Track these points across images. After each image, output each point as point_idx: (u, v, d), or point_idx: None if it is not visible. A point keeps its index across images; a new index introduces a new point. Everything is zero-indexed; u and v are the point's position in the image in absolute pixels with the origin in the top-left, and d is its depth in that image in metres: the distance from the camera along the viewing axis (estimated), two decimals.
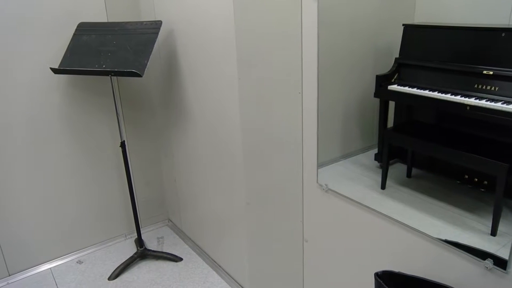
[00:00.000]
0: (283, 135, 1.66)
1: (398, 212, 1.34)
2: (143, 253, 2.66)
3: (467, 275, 1.14)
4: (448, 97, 1.24)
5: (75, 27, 2.36)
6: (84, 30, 2.35)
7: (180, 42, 2.24)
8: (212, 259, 2.56)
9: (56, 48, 2.37)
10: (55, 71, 2.23)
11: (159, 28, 2.18)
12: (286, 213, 1.78)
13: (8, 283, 2.54)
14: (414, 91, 1.34)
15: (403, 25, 1.38)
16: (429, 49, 1.35)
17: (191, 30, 2.10)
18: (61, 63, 2.28)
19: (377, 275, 1.23)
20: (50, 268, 2.66)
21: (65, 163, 2.58)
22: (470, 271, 1.13)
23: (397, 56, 1.42)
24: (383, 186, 1.46)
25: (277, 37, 1.56)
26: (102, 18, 2.50)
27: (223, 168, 2.15)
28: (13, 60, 2.28)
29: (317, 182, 1.57)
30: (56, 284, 2.50)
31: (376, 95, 1.47)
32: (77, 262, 2.71)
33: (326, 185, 1.54)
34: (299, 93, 1.52)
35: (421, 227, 1.26)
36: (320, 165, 1.57)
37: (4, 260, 2.52)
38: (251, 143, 1.87)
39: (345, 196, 1.48)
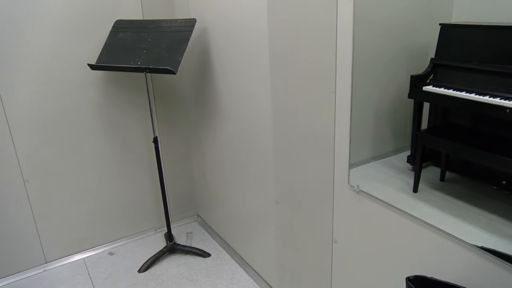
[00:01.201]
0: (315, 134, 1.65)
1: (430, 216, 1.31)
2: (172, 247, 2.71)
3: (503, 284, 1.11)
4: (487, 99, 1.20)
5: (112, 25, 2.43)
6: (120, 27, 2.41)
7: (213, 40, 2.26)
8: (240, 256, 2.58)
9: (93, 45, 2.45)
10: (92, 67, 2.30)
11: (193, 26, 2.21)
12: (316, 213, 1.77)
13: (44, 270, 2.64)
14: (451, 92, 1.31)
15: (440, 24, 1.35)
16: (467, 49, 1.31)
17: (224, 28, 2.12)
18: (98, 59, 2.34)
19: (408, 279, 1.20)
20: (83, 258, 2.75)
21: (101, 157, 2.66)
22: (507, 280, 1.10)
23: (433, 56, 1.38)
24: (415, 189, 1.43)
25: (311, 34, 1.55)
26: (138, 16, 2.56)
27: (253, 166, 2.16)
28: (53, 57, 2.36)
29: (348, 183, 1.56)
30: (89, 274, 2.58)
31: (410, 96, 1.44)
32: (109, 254, 2.79)
33: (357, 186, 1.52)
34: (332, 92, 1.51)
35: (455, 232, 1.22)
36: (350, 166, 1.56)
37: (42, 248, 2.62)
38: (282, 141, 1.87)
39: (377, 198, 1.46)
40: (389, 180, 1.51)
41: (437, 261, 1.29)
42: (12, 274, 2.57)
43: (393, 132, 1.58)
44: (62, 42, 2.37)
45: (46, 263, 2.66)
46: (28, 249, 2.58)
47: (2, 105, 2.29)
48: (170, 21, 2.30)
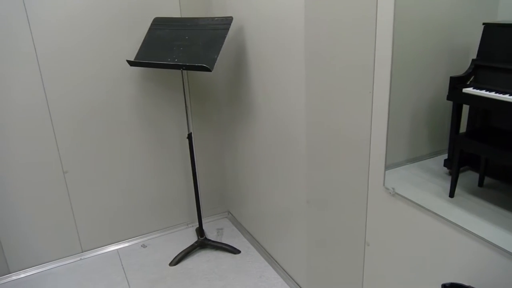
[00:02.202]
0: (350, 134, 1.64)
1: (467, 222, 1.27)
2: (203, 243, 2.74)
3: None
4: None
5: (150, 22, 2.48)
6: (158, 25, 2.46)
7: (249, 38, 2.27)
8: (270, 254, 2.59)
9: (132, 41, 2.51)
10: (130, 63, 2.36)
11: (230, 24, 2.23)
12: (349, 214, 1.75)
13: (80, 259, 2.74)
14: (492, 95, 1.26)
15: (483, 24, 1.30)
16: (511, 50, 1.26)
17: (260, 26, 2.13)
18: (136, 56, 2.40)
19: (444, 286, 1.17)
20: (117, 249, 2.84)
21: (136, 151, 2.73)
22: None
23: (474, 57, 1.34)
24: (451, 194, 1.39)
25: (349, 33, 1.53)
26: (176, 14, 2.60)
27: (286, 165, 2.16)
28: (94, 53, 2.44)
29: (383, 185, 1.53)
30: (122, 265, 2.65)
31: (449, 97, 1.40)
32: (141, 246, 2.86)
33: (393, 188, 1.50)
34: (370, 92, 1.49)
35: (494, 239, 1.19)
36: (385, 168, 1.53)
37: (79, 238, 2.72)
38: (315, 141, 1.86)
39: (412, 202, 1.43)
40: (425, 183, 1.48)
41: (475, 269, 1.25)
42: (51, 261, 2.68)
43: (430, 135, 1.55)
44: (103, 38, 2.44)
45: (82, 252, 2.76)
46: (66, 238, 2.69)
47: (46, 99, 2.39)
48: (207, 19, 2.33)
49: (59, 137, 2.48)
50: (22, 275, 2.60)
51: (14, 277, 2.58)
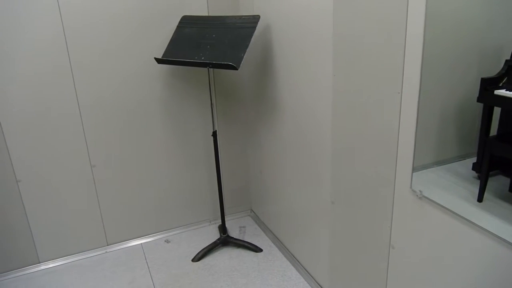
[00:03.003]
0: (377, 135, 1.62)
1: (496, 228, 1.24)
2: (225, 240, 2.76)
3: None
4: None
5: (178, 20, 2.51)
6: (186, 23, 2.49)
7: (276, 37, 2.27)
8: (292, 254, 2.58)
9: (160, 39, 2.54)
10: (158, 61, 2.40)
11: (257, 23, 2.23)
12: (374, 216, 1.73)
13: (106, 252, 2.80)
14: None
15: None
16: None
17: (288, 25, 2.12)
18: (164, 53, 2.44)
19: None
20: (141, 243, 2.89)
21: (161, 148, 2.77)
22: None
23: (508, 58, 1.30)
24: (480, 199, 1.36)
25: (378, 32, 1.51)
26: (204, 12, 2.62)
27: (310, 164, 2.15)
28: (122, 50, 2.49)
29: (410, 187, 1.51)
30: (146, 259, 2.70)
31: (479, 99, 1.36)
32: (165, 241, 2.90)
33: (420, 191, 1.47)
34: (398, 93, 1.46)
35: None
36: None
37: (105, 232, 2.78)
38: (341, 141, 1.84)
39: (440, 205, 1.40)
40: (452, 187, 1.45)
41: (504, 276, 1.22)
42: (77, 253, 2.75)
43: (459, 137, 1.51)
44: (131, 35, 2.48)
45: (108, 245, 2.82)
46: (93, 231, 2.75)
47: (76, 94, 2.45)
48: (234, 17, 2.34)
49: (87, 132, 2.54)
50: (51, 265, 2.68)
51: (43, 267, 2.67)
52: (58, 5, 2.28)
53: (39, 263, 2.67)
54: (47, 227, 2.62)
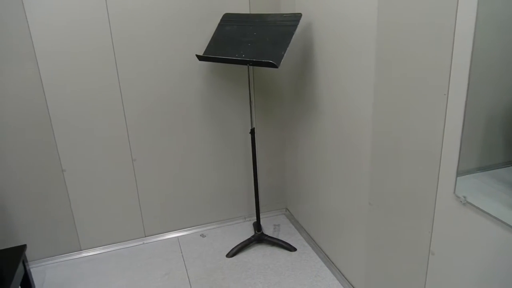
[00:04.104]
0: (420, 138, 1.57)
1: None
2: (260, 237, 2.77)
3: None
4: None
5: (220, 18, 2.53)
6: (228, 20, 2.51)
7: (317, 35, 2.24)
8: (326, 255, 2.56)
9: (202, 37, 2.58)
10: (199, 58, 2.43)
11: (298, 21, 2.21)
12: (413, 221, 1.68)
13: (143, 243, 2.88)
14: None
15: None
16: None
17: (330, 24, 2.09)
18: (205, 51, 2.46)
19: None
20: (177, 236, 2.94)
21: (200, 143, 2.81)
22: None
23: None
24: None
25: (425, 31, 1.46)
26: (245, 10, 2.63)
27: (348, 165, 2.12)
28: (165, 47, 2.54)
29: (454, 192, 1.45)
30: (181, 252, 2.75)
31: None
32: (200, 235, 2.94)
33: (464, 197, 1.42)
34: (444, 94, 1.41)
35: None
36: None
37: (143, 223, 2.86)
38: (382, 142, 1.80)
39: (486, 212, 1.34)
40: (497, 194, 1.38)
41: None
42: (117, 243, 2.84)
43: (506, 142, 1.44)
44: (174, 32, 2.53)
45: (145, 237, 2.90)
46: (132, 222, 2.83)
47: (120, 91, 2.53)
48: (276, 15, 2.33)
49: (130, 127, 2.62)
50: (91, 253, 2.78)
51: (84, 254, 2.77)
52: (106, 4, 2.35)
53: (81, 250, 2.77)
54: (89, 216, 2.72)
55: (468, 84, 1.32)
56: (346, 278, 2.33)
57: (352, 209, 2.15)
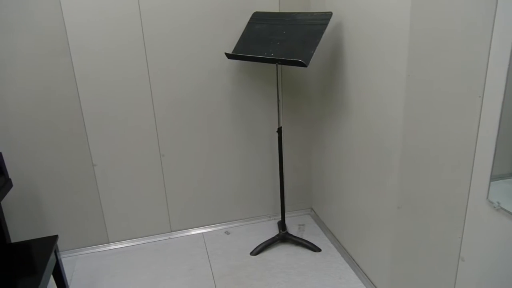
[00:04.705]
0: (453, 141, 1.53)
1: None
2: (284, 237, 2.76)
3: None
4: None
5: (250, 16, 2.54)
6: (257, 19, 2.51)
7: (347, 35, 2.22)
8: (351, 256, 2.53)
9: (231, 35, 2.59)
10: (228, 56, 2.44)
11: (329, 20, 2.19)
12: (443, 225, 1.64)
13: (169, 238, 2.92)
14: None
15: None
16: None
17: (360, 23, 2.06)
18: (234, 49, 2.48)
19: None
20: (202, 233, 2.97)
21: (227, 141, 2.83)
22: None
23: None
24: None
25: (460, 30, 1.42)
26: (275, 8, 2.63)
27: (376, 167, 2.08)
28: (195, 45, 2.56)
29: (487, 198, 1.41)
30: (206, 248, 2.77)
31: None
32: (225, 232, 2.96)
33: (498, 203, 1.37)
34: (479, 96, 1.37)
35: None
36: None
37: (169, 219, 2.90)
38: (413, 144, 1.77)
39: None
40: None
41: None
42: (143, 237, 2.89)
43: None
44: (204, 29, 2.55)
45: (171, 232, 2.94)
46: (158, 217, 2.88)
47: (150, 88, 2.57)
48: (306, 14, 2.32)
49: (159, 123, 2.66)
50: (118, 246, 2.84)
51: (112, 247, 2.84)
52: (139, 4, 2.39)
53: (109, 243, 2.84)
54: (118, 210, 2.79)
55: (506, 86, 1.28)
56: (371, 281, 2.30)
57: (380, 211, 2.12)
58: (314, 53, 2.12)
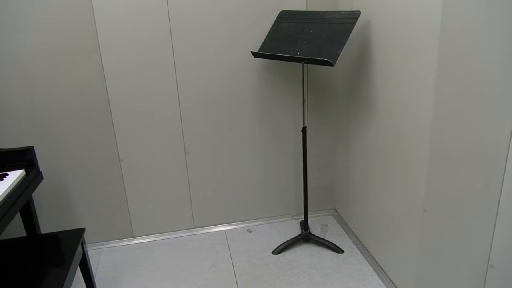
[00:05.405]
0: (484, 143, 1.48)
1: None
2: (306, 237, 2.75)
3: None
4: None
5: (277, 15, 2.53)
6: (284, 18, 2.50)
7: (376, 35, 2.19)
8: (374, 259, 2.49)
9: (258, 33, 2.59)
10: (254, 54, 2.44)
11: (357, 19, 2.17)
12: (472, 230, 1.60)
13: (192, 234, 2.95)
14: None
15: None
16: None
17: (390, 22, 2.03)
18: (261, 47, 2.47)
19: None
20: (224, 230, 2.99)
21: (251, 139, 2.83)
22: None
23: None
24: None
25: (494, 31, 1.38)
26: (302, 7, 2.61)
27: (403, 168, 2.05)
28: (222, 43, 2.58)
29: None
30: (228, 246, 2.79)
31: None
32: (247, 230, 2.97)
33: None
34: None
35: None
36: None
37: (192, 215, 2.93)
38: (441, 146, 1.73)
39: None
40: None
41: None
42: (167, 232, 2.93)
43: None
44: (230, 27, 2.56)
45: (194, 228, 2.97)
46: (182, 213, 2.91)
47: (177, 85, 2.60)
48: (334, 13, 2.29)
49: (184, 120, 2.69)
50: (142, 240, 2.89)
51: (136, 241, 2.89)
52: (167, 6, 2.42)
53: (133, 237, 2.89)
54: (142, 205, 2.83)
55: None
56: (395, 285, 2.26)
57: (405, 214, 2.08)
58: (341, 53, 2.10)
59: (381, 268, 2.41)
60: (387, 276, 2.34)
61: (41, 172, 2.15)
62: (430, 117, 1.77)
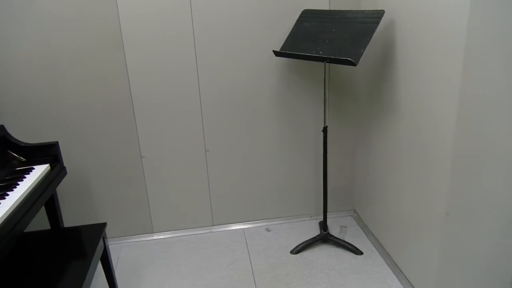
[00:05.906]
0: (508, 147, 1.45)
1: None
2: (325, 237, 2.73)
3: None
4: None
5: (299, 14, 2.52)
6: (307, 17, 2.49)
7: (399, 34, 2.15)
8: (394, 262, 2.46)
9: (280, 32, 2.58)
10: (276, 53, 2.44)
11: (380, 18, 2.14)
12: (496, 235, 1.57)
13: (211, 231, 2.97)
14: None
15: None
16: None
17: (414, 22, 1.99)
18: (282, 46, 2.47)
19: None
20: (243, 228, 3.00)
21: (272, 138, 2.83)
22: None
23: None
24: None
25: None
26: (325, 6, 2.60)
27: (424, 170, 2.01)
28: (244, 42, 2.58)
29: None
30: (246, 244, 2.80)
31: None
32: (265, 229, 2.97)
33: None
34: None
35: None
36: None
37: (211, 213, 2.95)
38: (465, 149, 1.69)
39: None
40: None
41: None
42: (186, 229, 2.96)
43: None
44: (253, 27, 2.56)
45: (213, 225, 2.99)
46: (201, 210, 2.93)
47: (198, 84, 2.62)
48: (357, 12, 2.27)
49: (205, 118, 2.70)
50: (162, 236, 2.93)
51: (155, 237, 2.92)
52: (190, 4, 2.44)
53: (153, 233, 2.93)
54: (163, 201, 2.86)
55: None
56: None
57: (426, 217, 2.04)
58: (364, 52, 2.08)
59: (401, 271, 2.38)
60: (407, 279, 2.30)
61: (65, 167, 2.20)
62: (454, 119, 1.73)
